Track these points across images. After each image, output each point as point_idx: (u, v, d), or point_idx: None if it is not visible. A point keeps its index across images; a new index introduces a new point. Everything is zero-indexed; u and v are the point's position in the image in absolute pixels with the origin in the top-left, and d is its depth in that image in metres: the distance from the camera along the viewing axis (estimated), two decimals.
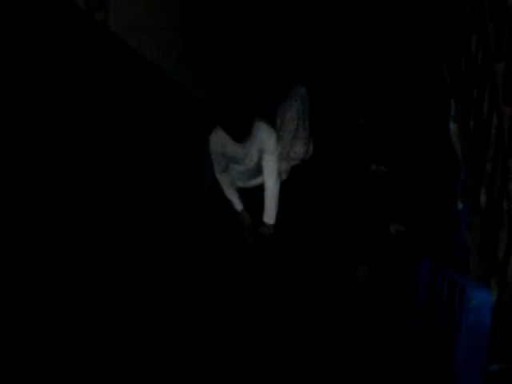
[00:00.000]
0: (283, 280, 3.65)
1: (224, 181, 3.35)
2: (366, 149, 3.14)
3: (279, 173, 3.43)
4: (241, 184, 3.47)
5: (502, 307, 1.25)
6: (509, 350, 1.14)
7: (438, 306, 1.54)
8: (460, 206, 1.95)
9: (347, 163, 3.20)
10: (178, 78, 3.30)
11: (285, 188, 3.57)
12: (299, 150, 3.73)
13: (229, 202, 3.46)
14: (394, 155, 2.94)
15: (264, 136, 3.03)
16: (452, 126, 2.17)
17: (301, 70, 3.76)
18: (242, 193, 3.48)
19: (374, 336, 3.01)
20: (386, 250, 3.26)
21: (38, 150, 1.86)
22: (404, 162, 3.02)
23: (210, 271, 3.60)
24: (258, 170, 3.32)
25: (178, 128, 3.44)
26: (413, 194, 3.08)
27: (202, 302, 3.39)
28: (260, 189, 3.40)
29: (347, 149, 3.44)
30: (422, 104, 3.45)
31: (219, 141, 3.04)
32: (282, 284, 3.63)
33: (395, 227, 3.09)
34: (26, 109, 1.78)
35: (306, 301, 3.45)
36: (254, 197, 3.48)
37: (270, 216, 3.32)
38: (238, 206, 3.46)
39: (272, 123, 3.31)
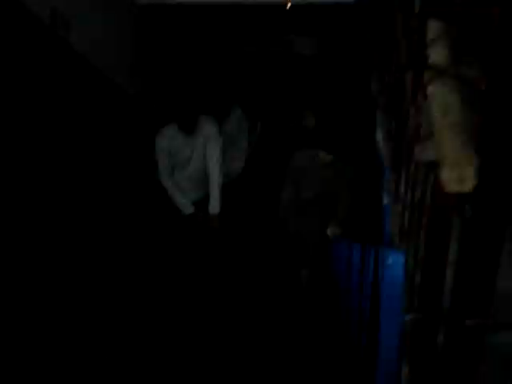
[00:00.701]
0: (229, 277, 3.84)
1: (171, 185, 3.51)
2: (308, 135, 3.48)
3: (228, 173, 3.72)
4: (189, 196, 3.64)
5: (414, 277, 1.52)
6: (418, 304, 1.41)
7: (368, 280, 1.81)
8: (385, 201, 2.25)
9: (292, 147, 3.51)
10: (123, 82, 3.50)
11: (232, 187, 3.86)
12: (236, 165, 4.16)
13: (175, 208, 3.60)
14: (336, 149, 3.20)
15: (207, 126, 3.38)
16: (378, 133, 2.48)
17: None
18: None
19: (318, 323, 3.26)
20: (324, 252, 3.55)
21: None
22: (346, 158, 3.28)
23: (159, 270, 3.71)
24: (204, 177, 3.56)
25: (123, 130, 3.62)
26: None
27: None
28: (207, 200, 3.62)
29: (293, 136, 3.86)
30: (354, 114, 3.80)
31: (166, 139, 3.34)
32: (227, 280, 3.81)
33: (332, 230, 3.34)
34: None
35: (254, 298, 3.65)
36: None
37: (214, 206, 3.54)
38: (189, 208, 3.59)
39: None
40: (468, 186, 1.07)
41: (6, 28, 1.99)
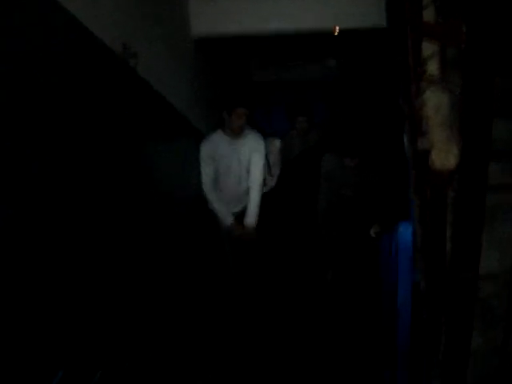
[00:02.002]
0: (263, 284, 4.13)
1: (214, 196, 3.75)
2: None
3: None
4: (229, 200, 3.86)
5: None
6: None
7: (393, 256, 2.16)
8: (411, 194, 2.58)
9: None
10: (185, 113, 3.96)
11: (267, 198, 4.10)
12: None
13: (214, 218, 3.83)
14: (364, 152, 3.37)
15: (254, 137, 3.75)
16: (405, 138, 2.83)
17: None
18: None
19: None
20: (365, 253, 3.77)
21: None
22: (375, 161, 3.46)
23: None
24: (242, 188, 3.85)
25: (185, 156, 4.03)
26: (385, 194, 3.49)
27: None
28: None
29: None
30: (387, 122, 4.11)
31: (211, 143, 3.68)
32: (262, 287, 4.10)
33: (375, 230, 3.46)
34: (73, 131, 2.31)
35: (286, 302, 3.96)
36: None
37: (252, 216, 3.77)
38: (228, 218, 3.79)
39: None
40: (452, 164, 1.42)
41: (87, 59, 2.39)
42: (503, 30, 1.31)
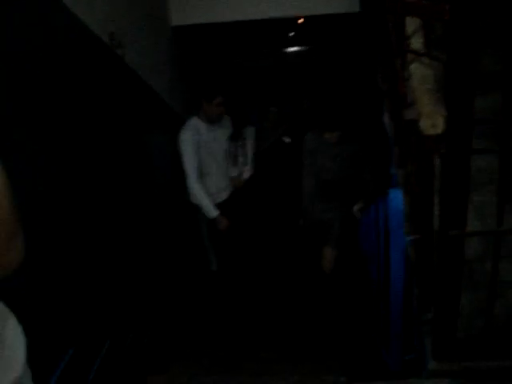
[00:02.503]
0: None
1: (199, 188, 3.72)
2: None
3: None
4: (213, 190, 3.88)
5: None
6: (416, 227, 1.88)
7: (381, 224, 2.29)
8: (392, 171, 2.72)
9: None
10: (166, 97, 4.03)
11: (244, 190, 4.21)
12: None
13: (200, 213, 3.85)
14: (344, 126, 3.39)
15: (228, 123, 3.93)
16: (385, 115, 2.96)
17: None
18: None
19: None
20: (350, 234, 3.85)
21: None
22: (356, 137, 3.50)
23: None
24: (226, 173, 3.99)
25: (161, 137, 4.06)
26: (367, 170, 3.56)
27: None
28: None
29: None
30: (365, 101, 4.23)
31: (194, 131, 3.66)
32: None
33: (359, 206, 3.49)
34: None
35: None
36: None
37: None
38: (214, 211, 3.78)
39: None
40: (439, 129, 1.55)
41: (74, 46, 2.45)
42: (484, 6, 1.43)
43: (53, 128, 2.11)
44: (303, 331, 3.45)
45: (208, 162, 3.82)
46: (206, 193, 3.78)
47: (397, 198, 1.83)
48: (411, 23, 1.76)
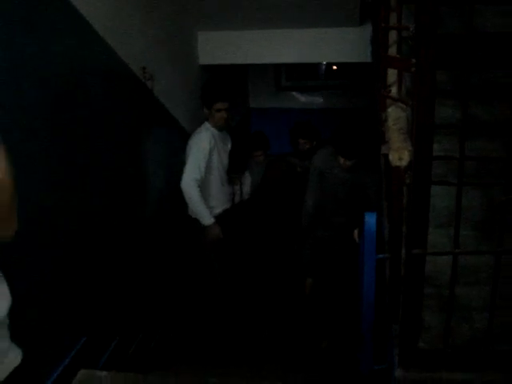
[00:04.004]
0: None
1: (198, 192, 3.58)
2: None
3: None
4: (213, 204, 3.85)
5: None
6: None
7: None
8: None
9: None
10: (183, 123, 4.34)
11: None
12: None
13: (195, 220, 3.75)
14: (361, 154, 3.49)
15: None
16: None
17: None
18: None
19: None
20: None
21: None
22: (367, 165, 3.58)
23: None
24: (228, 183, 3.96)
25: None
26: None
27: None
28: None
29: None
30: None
31: (210, 137, 3.68)
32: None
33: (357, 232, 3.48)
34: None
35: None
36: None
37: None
38: (210, 218, 3.68)
39: None
40: (405, 162, 1.86)
41: (114, 79, 2.86)
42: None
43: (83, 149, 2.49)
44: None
45: (217, 169, 3.80)
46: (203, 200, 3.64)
47: (371, 219, 2.13)
48: (392, 74, 2.10)
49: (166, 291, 3.79)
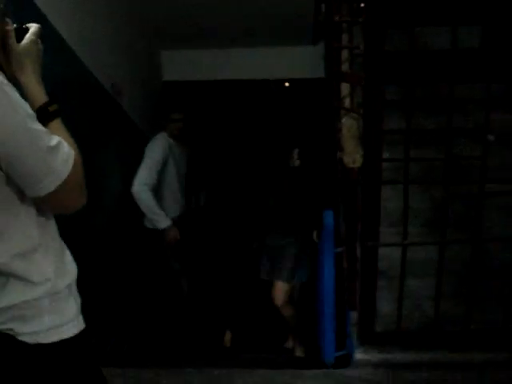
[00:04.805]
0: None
1: (150, 196, 3.44)
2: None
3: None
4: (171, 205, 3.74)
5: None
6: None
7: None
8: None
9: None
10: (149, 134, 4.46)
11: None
12: None
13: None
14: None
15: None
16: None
17: None
18: None
19: None
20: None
21: None
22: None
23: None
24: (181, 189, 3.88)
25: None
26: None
27: None
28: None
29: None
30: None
31: (166, 146, 3.59)
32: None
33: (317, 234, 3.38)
34: None
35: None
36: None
37: None
38: (167, 220, 3.54)
39: None
40: (357, 164, 2.13)
41: (87, 97, 3.03)
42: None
43: None
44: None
45: (171, 178, 3.71)
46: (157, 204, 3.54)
47: (329, 216, 2.38)
48: (345, 87, 2.38)
49: (130, 297, 3.89)
